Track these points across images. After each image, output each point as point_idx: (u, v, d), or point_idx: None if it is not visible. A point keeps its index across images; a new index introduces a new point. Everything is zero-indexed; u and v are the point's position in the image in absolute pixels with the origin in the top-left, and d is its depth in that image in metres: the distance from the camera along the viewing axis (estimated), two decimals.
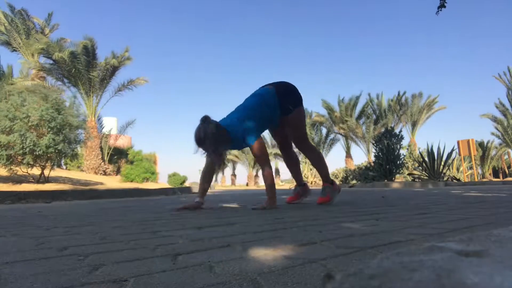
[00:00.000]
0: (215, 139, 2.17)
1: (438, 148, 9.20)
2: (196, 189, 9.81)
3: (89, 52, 14.32)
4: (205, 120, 2.22)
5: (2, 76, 14.98)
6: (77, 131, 7.09)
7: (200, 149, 2.28)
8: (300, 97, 2.45)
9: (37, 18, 16.19)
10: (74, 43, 14.26)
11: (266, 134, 33.32)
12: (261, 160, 2.30)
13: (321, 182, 2.63)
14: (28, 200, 4.12)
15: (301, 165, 2.79)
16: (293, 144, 2.65)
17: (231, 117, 2.34)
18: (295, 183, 2.77)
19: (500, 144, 28.83)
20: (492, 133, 24.58)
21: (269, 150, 31.96)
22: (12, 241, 1.09)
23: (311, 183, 20.19)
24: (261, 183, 37.31)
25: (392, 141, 9.72)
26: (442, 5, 5.24)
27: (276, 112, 2.36)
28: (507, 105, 22.79)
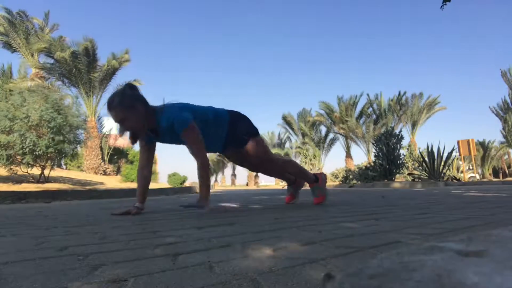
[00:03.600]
0: (130, 107, 1.82)
1: (438, 148, 9.20)
2: (196, 189, 9.80)
3: (90, 53, 14.35)
4: (131, 86, 1.91)
5: (2, 76, 15.01)
6: (78, 131, 7.10)
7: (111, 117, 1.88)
8: (255, 128, 2.21)
9: (37, 19, 16.21)
10: (75, 42, 14.30)
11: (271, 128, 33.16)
12: (196, 147, 1.89)
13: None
14: (28, 200, 4.12)
15: (298, 163, 2.63)
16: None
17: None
18: (286, 183, 2.65)
19: (501, 144, 28.80)
20: (502, 130, 24.07)
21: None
22: (12, 241, 1.08)
23: None
24: (261, 183, 37.26)
25: (392, 141, 9.72)
26: None
27: (218, 138, 2.11)
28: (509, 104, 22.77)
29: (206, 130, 1.99)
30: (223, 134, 2.11)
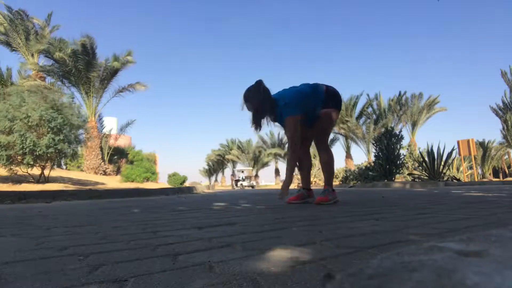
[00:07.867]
0: (261, 102, 2.39)
1: (438, 148, 9.19)
2: (197, 189, 9.80)
3: (89, 51, 14.29)
4: (259, 83, 2.43)
5: (1, 78, 14.99)
6: (78, 131, 7.11)
7: (245, 107, 2.49)
8: (340, 101, 2.62)
9: (37, 19, 16.15)
10: (75, 41, 14.22)
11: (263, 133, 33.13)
12: (289, 138, 2.42)
13: (321, 183, 2.64)
14: (28, 200, 4.12)
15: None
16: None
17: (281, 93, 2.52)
18: (301, 184, 2.82)
19: (500, 144, 28.77)
20: (502, 130, 23.88)
21: (270, 150, 32.09)
22: (12, 241, 1.09)
23: (312, 183, 20.14)
24: (261, 183, 37.20)
25: (392, 141, 9.71)
26: None
27: (316, 110, 2.50)
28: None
29: (308, 106, 2.48)
30: (319, 106, 2.52)
